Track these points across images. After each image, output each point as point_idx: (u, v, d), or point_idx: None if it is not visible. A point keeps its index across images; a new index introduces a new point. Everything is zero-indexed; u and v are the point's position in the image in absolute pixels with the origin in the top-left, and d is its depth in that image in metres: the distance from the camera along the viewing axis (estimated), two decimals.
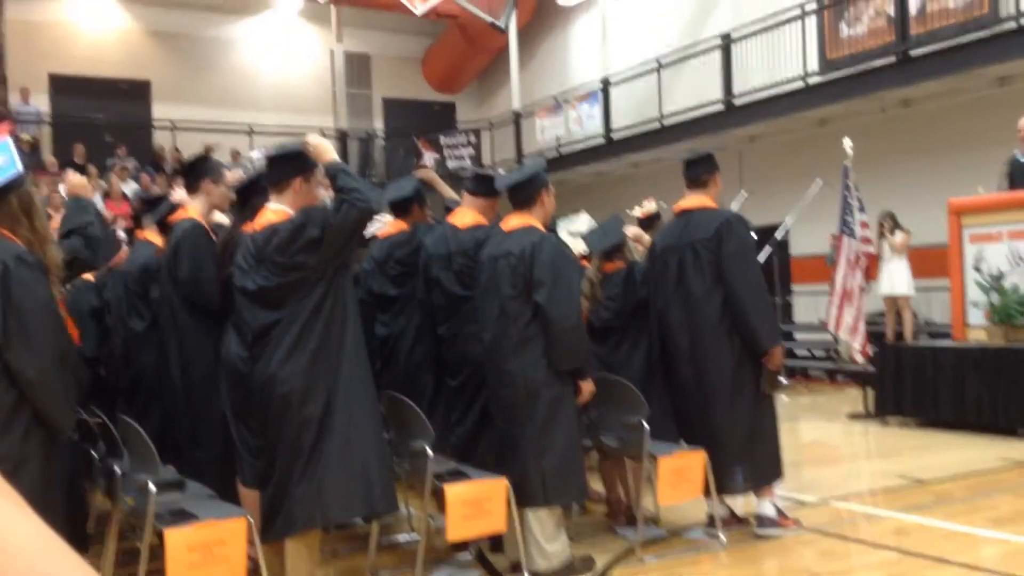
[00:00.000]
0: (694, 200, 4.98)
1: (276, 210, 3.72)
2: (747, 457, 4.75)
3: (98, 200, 13.62)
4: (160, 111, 17.59)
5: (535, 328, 4.05)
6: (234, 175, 4.87)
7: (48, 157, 15.13)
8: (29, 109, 16.05)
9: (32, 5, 16.79)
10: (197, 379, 4.36)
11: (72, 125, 16.42)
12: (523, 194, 4.29)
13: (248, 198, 4.28)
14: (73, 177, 4.31)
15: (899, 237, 10.16)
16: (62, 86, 17.00)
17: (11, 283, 2.88)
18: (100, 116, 16.94)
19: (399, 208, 5.17)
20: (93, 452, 4.43)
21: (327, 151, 3.72)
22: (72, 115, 16.66)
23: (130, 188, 14.47)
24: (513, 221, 4.26)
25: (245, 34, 18.79)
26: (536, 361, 4.05)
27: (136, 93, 17.69)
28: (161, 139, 17.07)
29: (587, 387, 4.25)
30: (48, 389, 2.95)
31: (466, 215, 4.66)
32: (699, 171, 5.01)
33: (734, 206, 7.65)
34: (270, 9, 18.83)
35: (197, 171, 4.72)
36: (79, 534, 3.92)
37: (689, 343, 4.80)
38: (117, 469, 4.26)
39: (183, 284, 4.36)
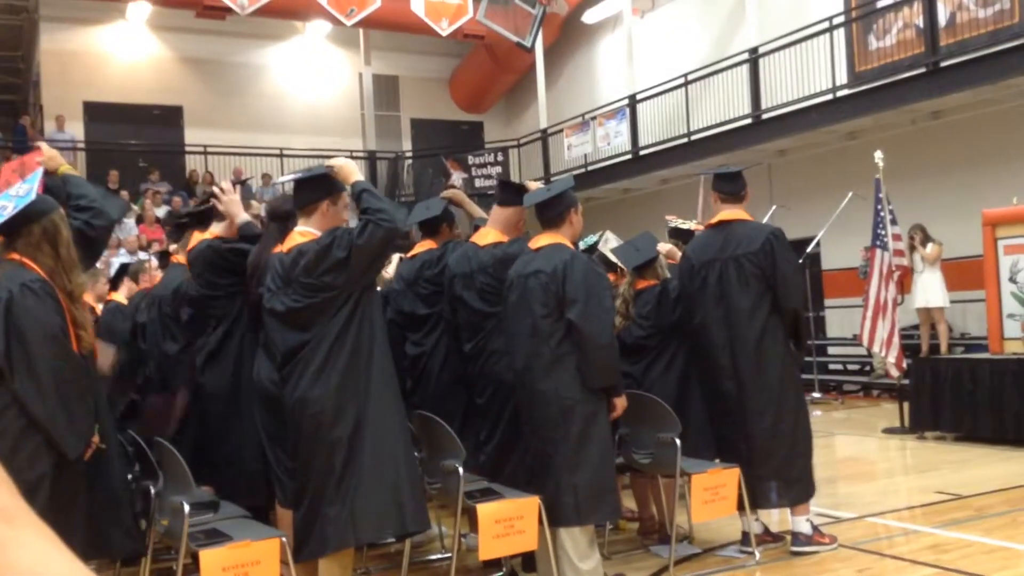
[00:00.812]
0: (731, 213, 4.92)
1: (303, 232, 3.76)
2: (783, 473, 4.71)
3: (132, 225, 13.83)
4: (192, 136, 17.83)
5: (567, 346, 4.03)
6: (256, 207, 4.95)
7: None
8: (64, 136, 16.34)
9: (66, 35, 17.13)
10: (231, 401, 4.40)
11: (106, 151, 16.69)
12: (552, 212, 4.29)
13: (277, 221, 4.33)
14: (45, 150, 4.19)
15: (930, 249, 10.05)
16: (96, 113, 17.30)
17: (15, 311, 2.90)
18: (133, 142, 17.21)
19: (428, 228, 5.20)
20: (129, 474, 4.48)
21: (352, 172, 3.77)
22: (106, 141, 16.93)
23: (163, 212, 14.68)
24: (542, 240, 4.25)
25: (275, 59, 19.04)
26: (570, 379, 4.03)
27: (168, 119, 17.96)
28: (193, 163, 17.31)
29: (620, 403, 4.23)
30: (52, 416, 2.97)
31: (488, 234, 4.67)
32: (735, 185, 4.97)
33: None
34: (299, 35, 19.06)
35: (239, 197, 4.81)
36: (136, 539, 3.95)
37: (731, 358, 4.75)
38: (152, 490, 4.31)
39: (192, 300, 4.45)
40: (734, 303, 4.74)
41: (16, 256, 3.03)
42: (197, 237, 4.77)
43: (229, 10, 14.33)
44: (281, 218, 4.28)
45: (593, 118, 16.46)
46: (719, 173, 5.10)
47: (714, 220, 4.99)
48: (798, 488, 4.74)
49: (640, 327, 5.08)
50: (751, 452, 4.69)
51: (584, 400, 4.05)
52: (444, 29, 15.53)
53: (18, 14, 18.41)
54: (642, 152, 15.45)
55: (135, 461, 4.63)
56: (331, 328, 3.56)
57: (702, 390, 4.96)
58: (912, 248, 9.99)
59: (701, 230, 5.40)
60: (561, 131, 17.19)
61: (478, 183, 17.99)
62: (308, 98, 19.16)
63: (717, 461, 4.75)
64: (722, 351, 4.78)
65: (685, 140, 14.49)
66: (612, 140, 15.97)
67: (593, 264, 4.35)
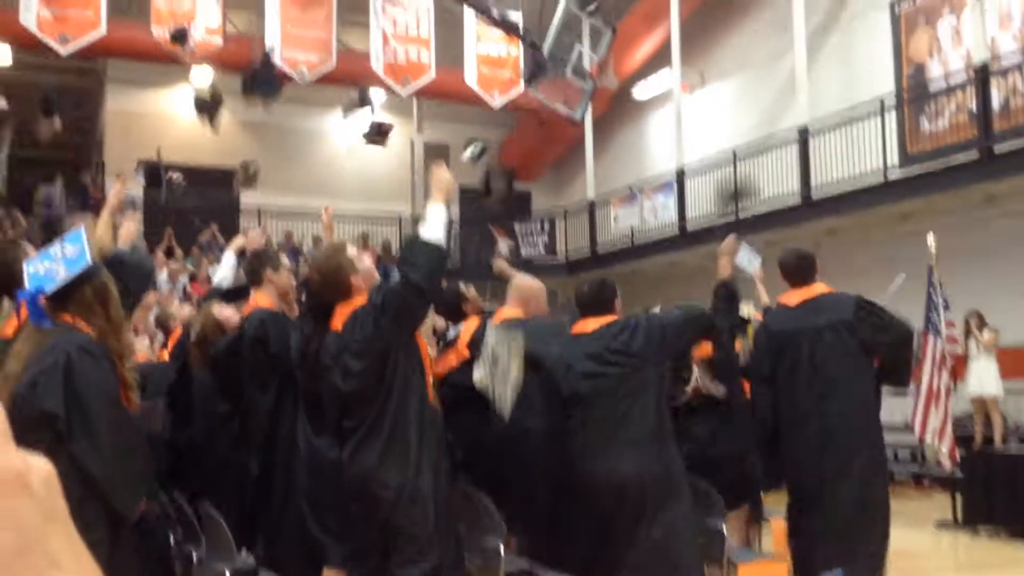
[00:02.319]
0: (812, 290, 4.73)
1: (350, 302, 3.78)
2: (859, 553, 4.48)
3: (184, 283, 14.08)
4: (247, 197, 18.20)
5: (659, 417, 4.01)
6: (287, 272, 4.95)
7: (138, 241, 15.70)
8: (121, 188, 16.75)
9: (130, 97, 17.69)
10: (278, 466, 4.39)
11: (162, 210, 17.08)
12: (597, 301, 4.27)
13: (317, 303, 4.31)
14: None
15: (987, 335, 9.85)
16: (155, 173, 17.72)
17: (74, 374, 2.94)
18: (190, 202, 17.61)
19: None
20: (171, 537, 4.48)
21: (440, 196, 3.70)
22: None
23: (214, 270, 14.92)
24: (591, 323, 4.21)
25: (330, 125, 19.47)
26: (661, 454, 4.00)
27: (225, 180, 18.36)
28: (246, 223, 17.63)
29: None
30: (111, 480, 2.99)
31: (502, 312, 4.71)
32: (808, 270, 4.80)
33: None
34: (356, 103, 19.49)
35: (258, 262, 4.83)
36: None
37: (824, 434, 4.48)
38: (195, 555, 4.30)
39: (276, 358, 4.40)
40: (831, 374, 4.49)
41: (68, 318, 3.07)
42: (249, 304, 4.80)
43: (289, 78, 14.74)
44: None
45: (641, 191, 16.53)
46: (787, 260, 4.89)
47: (788, 299, 4.82)
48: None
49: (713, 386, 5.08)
50: (830, 524, 4.44)
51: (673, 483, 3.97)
52: (495, 100, 15.80)
53: (87, 76, 19.10)
54: (689, 227, 15.44)
55: (177, 524, 4.64)
56: (379, 396, 3.57)
57: (786, 475, 4.75)
58: (968, 334, 9.78)
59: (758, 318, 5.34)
60: (608, 202, 17.27)
61: (525, 252, 18.09)
62: (360, 163, 19.51)
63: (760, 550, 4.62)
64: (812, 427, 4.52)
65: (733, 217, 14.47)
66: (659, 213, 16.00)
67: None
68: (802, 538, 4.54)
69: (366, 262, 3.93)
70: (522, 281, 4.88)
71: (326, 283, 3.79)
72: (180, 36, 12.32)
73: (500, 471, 4.75)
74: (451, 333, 5.13)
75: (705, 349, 5.10)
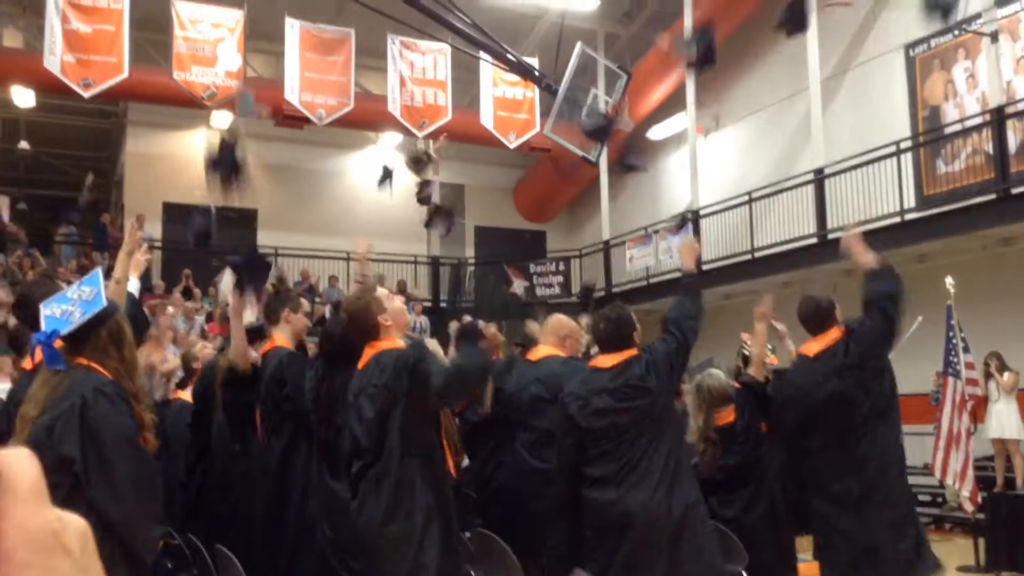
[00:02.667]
0: (828, 337, 4.72)
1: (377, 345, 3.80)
2: None
3: (200, 322, 14.14)
4: (264, 238, 18.34)
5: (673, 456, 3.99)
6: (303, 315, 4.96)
7: (157, 280, 15.84)
8: (142, 235, 16.92)
9: (151, 138, 17.93)
10: (296, 508, 4.37)
11: (181, 251, 17.23)
12: (616, 336, 4.27)
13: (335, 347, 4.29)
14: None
15: (1007, 378, 9.76)
16: (174, 214, 17.92)
17: (90, 417, 2.92)
18: (208, 242, 17.74)
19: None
20: None
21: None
22: (182, 241, 17.49)
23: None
24: (610, 359, 4.21)
25: (347, 167, 19.66)
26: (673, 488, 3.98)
27: (243, 221, 18.52)
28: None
29: None
30: (129, 520, 2.97)
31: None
32: (824, 318, 4.79)
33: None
34: (372, 144, 19.70)
35: (278, 303, 4.87)
36: None
37: (852, 491, 4.41)
38: None
39: (293, 400, 4.40)
40: (847, 420, 4.46)
41: (84, 360, 3.07)
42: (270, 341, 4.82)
43: (307, 120, 14.91)
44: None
45: (656, 231, 16.56)
46: (807, 313, 4.85)
47: (813, 350, 4.75)
48: None
49: (734, 455, 4.95)
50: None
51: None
52: (512, 142, 15.92)
53: (108, 118, 19.40)
54: (705, 267, 15.42)
55: (192, 564, 4.62)
56: (390, 440, 3.55)
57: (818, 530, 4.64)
58: (988, 376, 9.70)
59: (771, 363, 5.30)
60: (623, 243, 17.31)
61: (539, 291, 18.11)
62: (376, 204, 19.59)
63: None
64: (840, 486, 4.44)
65: (748, 257, 14.47)
66: (675, 254, 16.01)
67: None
68: None
69: (396, 303, 3.94)
70: (558, 319, 4.87)
71: (353, 323, 3.81)
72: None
73: (517, 509, 4.72)
74: None
75: (727, 416, 5.05)
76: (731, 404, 5.05)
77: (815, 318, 4.78)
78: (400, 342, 3.77)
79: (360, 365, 3.74)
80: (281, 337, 4.71)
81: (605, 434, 3.99)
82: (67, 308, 3.06)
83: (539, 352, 4.72)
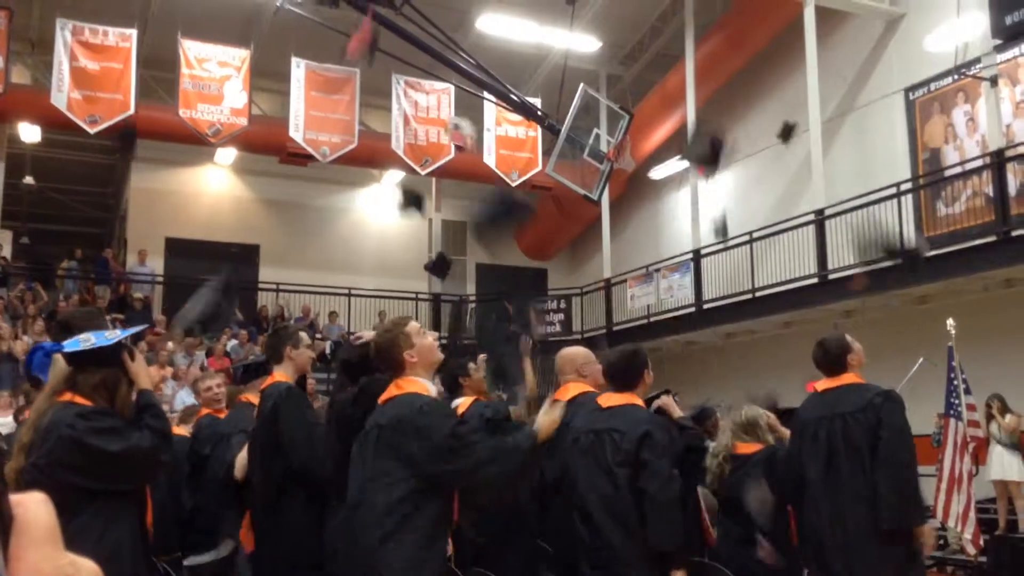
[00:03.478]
0: (842, 380, 4.67)
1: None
2: None
3: (201, 357, 14.14)
4: (266, 274, 18.39)
5: (636, 507, 3.97)
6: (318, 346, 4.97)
7: (158, 315, 15.86)
8: (144, 270, 16.99)
9: (154, 175, 18.05)
10: (283, 542, 4.33)
11: (183, 286, 17.27)
12: (625, 373, 4.29)
13: (356, 374, 4.30)
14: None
15: (1009, 420, 9.73)
16: (176, 249, 18.00)
17: (84, 438, 2.94)
18: (210, 277, 17.78)
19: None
20: None
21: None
22: (184, 276, 17.54)
23: (231, 344, 15.00)
24: (614, 399, 4.23)
25: (350, 204, 19.77)
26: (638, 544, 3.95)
27: (245, 256, 18.60)
28: (264, 299, 17.78)
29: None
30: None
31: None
32: (838, 356, 4.73)
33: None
34: (375, 182, 19.82)
35: (278, 340, 4.85)
36: None
37: (839, 539, 4.39)
38: None
39: (292, 450, 4.36)
40: (841, 468, 4.44)
41: (68, 396, 3.07)
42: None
43: (311, 157, 15.02)
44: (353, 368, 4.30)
45: (657, 270, 16.61)
46: (821, 351, 4.86)
47: (816, 386, 4.77)
48: None
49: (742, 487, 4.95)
50: None
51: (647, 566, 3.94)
52: (514, 180, 16.03)
53: (112, 154, 19.54)
54: (706, 306, 15.45)
55: None
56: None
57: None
58: (990, 418, 9.67)
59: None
60: (625, 281, 17.34)
61: (541, 329, 18.11)
62: (379, 241, 19.74)
63: None
64: (830, 529, 4.42)
65: (749, 296, 14.49)
66: (676, 292, 16.04)
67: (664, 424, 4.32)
68: None
69: (427, 339, 3.85)
70: (565, 354, 4.78)
71: (379, 355, 3.78)
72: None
73: (508, 551, 4.68)
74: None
75: (750, 448, 5.07)
76: (759, 442, 5.05)
77: (825, 360, 4.77)
78: (424, 384, 3.65)
79: (383, 399, 3.64)
80: (281, 374, 4.69)
81: (578, 470, 4.14)
82: (87, 337, 3.10)
83: (568, 392, 4.64)
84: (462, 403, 4.84)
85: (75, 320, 3.49)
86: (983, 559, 8.21)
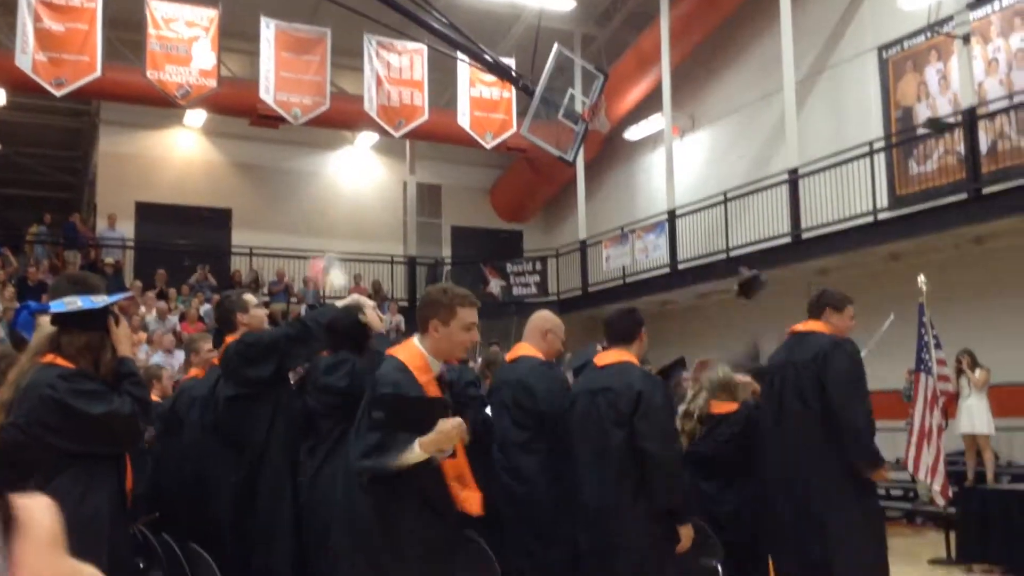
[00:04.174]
0: (809, 325, 4.84)
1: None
2: None
3: (174, 321, 14.05)
4: (239, 238, 18.25)
5: (632, 466, 4.02)
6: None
7: (130, 280, 15.71)
8: (114, 235, 16.79)
9: (124, 138, 17.79)
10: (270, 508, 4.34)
11: (154, 250, 17.10)
12: (624, 329, 4.34)
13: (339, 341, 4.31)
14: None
15: (979, 374, 9.88)
16: (147, 213, 17.80)
17: (66, 401, 2.92)
18: (182, 242, 17.64)
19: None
20: None
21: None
22: (155, 241, 17.37)
23: (204, 309, 14.91)
24: (610, 356, 4.29)
25: (323, 167, 19.59)
26: (637, 502, 4.03)
27: (217, 221, 18.42)
28: (238, 263, 17.66)
29: (685, 533, 4.13)
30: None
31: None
32: (818, 305, 4.88)
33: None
34: (349, 144, 19.64)
35: (226, 310, 4.78)
36: None
37: (788, 473, 4.61)
38: None
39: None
40: (789, 411, 4.65)
41: (51, 358, 3.04)
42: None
43: (282, 119, 14.84)
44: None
45: (632, 231, 16.63)
46: (815, 295, 5.01)
47: (791, 329, 4.94)
48: None
49: (726, 447, 5.05)
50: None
51: (649, 530, 4.02)
52: (488, 142, 15.92)
53: (79, 117, 19.22)
54: (680, 266, 15.52)
55: (168, 565, 4.59)
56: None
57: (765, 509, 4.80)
58: (960, 372, 9.82)
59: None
60: (600, 242, 17.36)
61: (516, 291, 18.13)
62: (353, 204, 19.60)
63: None
64: (782, 466, 4.65)
65: (724, 256, 14.56)
66: (651, 253, 16.09)
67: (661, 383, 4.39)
68: None
69: None
70: (541, 314, 4.84)
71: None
72: None
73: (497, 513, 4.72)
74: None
75: (726, 407, 5.17)
76: (734, 401, 5.15)
77: (810, 306, 4.95)
78: None
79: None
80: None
81: (575, 431, 4.21)
82: (72, 299, 3.07)
83: (515, 351, 4.70)
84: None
85: (90, 280, 3.42)
86: (952, 510, 8.38)
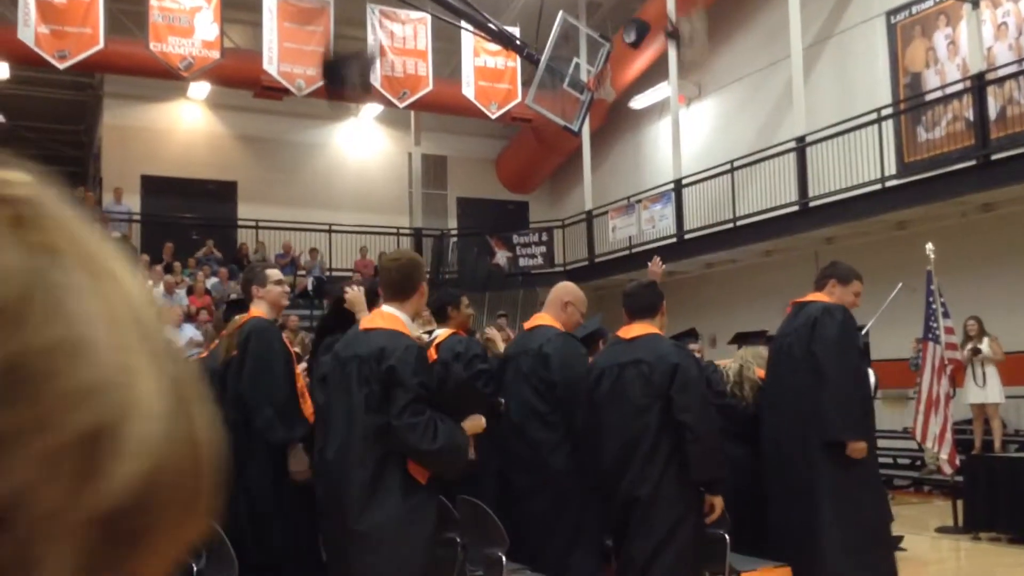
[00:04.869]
0: (809, 296, 4.87)
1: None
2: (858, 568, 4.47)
3: (182, 295, 14.08)
4: (245, 211, 18.23)
5: (665, 438, 4.04)
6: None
7: (138, 254, 15.73)
8: (121, 208, 16.78)
9: (128, 111, 17.73)
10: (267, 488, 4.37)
11: (161, 224, 17.11)
12: (646, 303, 4.35)
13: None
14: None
15: (987, 343, 9.86)
16: (153, 187, 17.78)
17: None
18: (188, 215, 17.63)
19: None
20: None
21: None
22: (161, 214, 17.37)
23: (212, 283, 14.94)
24: (635, 329, 4.30)
25: (328, 138, 19.51)
26: (669, 475, 4.05)
27: (223, 194, 18.40)
28: (244, 237, 17.65)
29: (718, 503, 4.17)
30: None
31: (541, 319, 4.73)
32: (823, 276, 4.91)
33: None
34: (353, 116, 19.55)
35: (247, 282, 4.91)
36: None
37: (784, 442, 4.65)
38: (194, 567, 4.29)
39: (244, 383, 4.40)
40: (786, 381, 4.69)
41: None
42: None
43: (286, 91, 14.77)
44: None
45: (638, 201, 16.57)
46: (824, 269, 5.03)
47: (794, 301, 4.97)
48: None
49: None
50: (811, 543, 4.47)
51: (679, 498, 4.04)
52: (493, 113, 15.84)
53: (83, 90, 19.15)
54: (687, 236, 15.47)
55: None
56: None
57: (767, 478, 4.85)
58: (968, 340, 9.81)
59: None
60: (606, 213, 17.31)
61: (522, 262, 18.11)
62: (358, 176, 19.55)
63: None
64: (779, 433, 4.69)
65: (731, 225, 14.51)
66: (657, 223, 16.03)
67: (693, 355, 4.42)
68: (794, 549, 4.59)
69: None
70: (564, 285, 4.86)
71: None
72: None
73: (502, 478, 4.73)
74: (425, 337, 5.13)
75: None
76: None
77: (818, 277, 4.96)
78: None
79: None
80: (257, 310, 4.73)
81: (603, 404, 4.25)
82: None
83: (532, 322, 4.70)
84: (441, 334, 4.86)
85: None
86: (959, 478, 8.40)
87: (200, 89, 17.39)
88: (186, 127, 18.51)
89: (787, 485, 4.60)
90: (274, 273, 4.88)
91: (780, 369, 4.74)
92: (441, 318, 5.13)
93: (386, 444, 3.48)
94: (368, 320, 3.86)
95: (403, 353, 3.48)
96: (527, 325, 4.69)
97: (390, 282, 3.86)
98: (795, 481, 4.54)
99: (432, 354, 4.67)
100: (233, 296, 8.99)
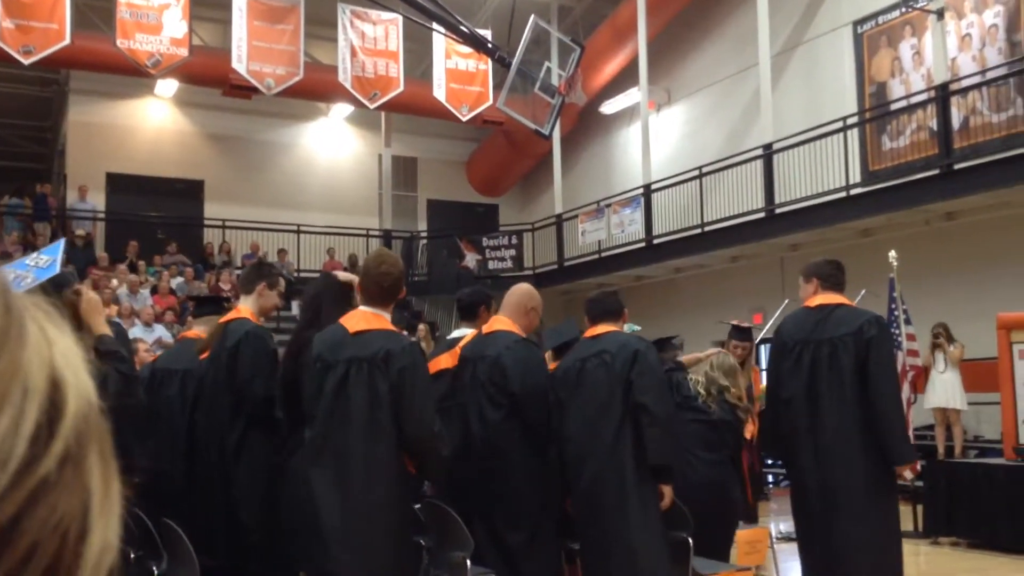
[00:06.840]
0: (832, 297, 4.70)
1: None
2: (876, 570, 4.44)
3: (146, 295, 13.92)
4: (212, 210, 18.06)
5: (628, 428, 4.12)
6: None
7: (101, 252, 15.54)
8: (85, 206, 16.57)
9: (94, 107, 17.51)
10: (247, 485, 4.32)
11: (126, 222, 16.91)
12: (610, 307, 4.53)
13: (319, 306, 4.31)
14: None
15: (954, 349, 10.01)
16: (118, 184, 17.57)
17: None
18: (153, 214, 17.44)
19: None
20: (131, 554, 4.40)
21: None
22: (126, 212, 17.17)
23: (177, 283, 14.78)
24: (599, 328, 4.45)
25: (297, 138, 19.39)
26: (631, 463, 4.11)
27: (189, 192, 18.23)
28: (210, 236, 17.50)
29: (667, 492, 4.23)
30: None
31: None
32: (835, 274, 4.84)
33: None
34: (323, 116, 19.45)
35: (257, 274, 4.74)
36: None
37: (813, 446, 4.50)
38: (155, 569, 4.24)
39: (240, 390, 4.32)
40: (822, 388, 4.48)
41: None
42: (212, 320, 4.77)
43: (255, 90, 14.66)
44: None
45: (608, 205, 16.62)
46: (824, 261, 4.96)
47: (810, 301, 4.76)
48: None
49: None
50: (831, 549, 4.42)
51: (642, 484, 4.10)
52: (464, 115, 15.83)
53: (48, 86, 18.89)
54: (656, 241, 15.55)
55: (139, 541, 4.57)
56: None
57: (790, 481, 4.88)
58: (935, 346, 9.94)
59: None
60: (576, 217, 17.35)
61: (492, 265, 18.11)
62: (327, 176, 19.45)
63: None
64: (804, 437, 4.54)
65: (699, 231, 14.60)
66: (626, 228, 16.09)
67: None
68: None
69: None
70: (527, 289, 4.72)
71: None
72: None
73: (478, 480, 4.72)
74: (455, 333, 5.11)
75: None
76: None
77: (837, 268, 4.93)
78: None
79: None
80: (247, 309, 4.55)
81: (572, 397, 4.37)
82: (22, 273, 2.98)
83: (491, 326, 4.63)
84: (468, 336, 4.81)
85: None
86: (919, 483, 8.50)
87: (168, 87, 17.22)
88: (153, 125, 18.32)
89: (823, 506, 4.46)
90: (282, 285, 4.79)
91: (818, 379, 4.50)
92: (470, 316, 5.06)
93: (389, 444, 3.60)
94: (354, 322, 3.81)
95: (414, 357, 3.71)
96: (485, 328, 4.62)
97: (381, 288, 3.84)
98: (831, 502, 4.43)
99: (453, 361, 4.64)
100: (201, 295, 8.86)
